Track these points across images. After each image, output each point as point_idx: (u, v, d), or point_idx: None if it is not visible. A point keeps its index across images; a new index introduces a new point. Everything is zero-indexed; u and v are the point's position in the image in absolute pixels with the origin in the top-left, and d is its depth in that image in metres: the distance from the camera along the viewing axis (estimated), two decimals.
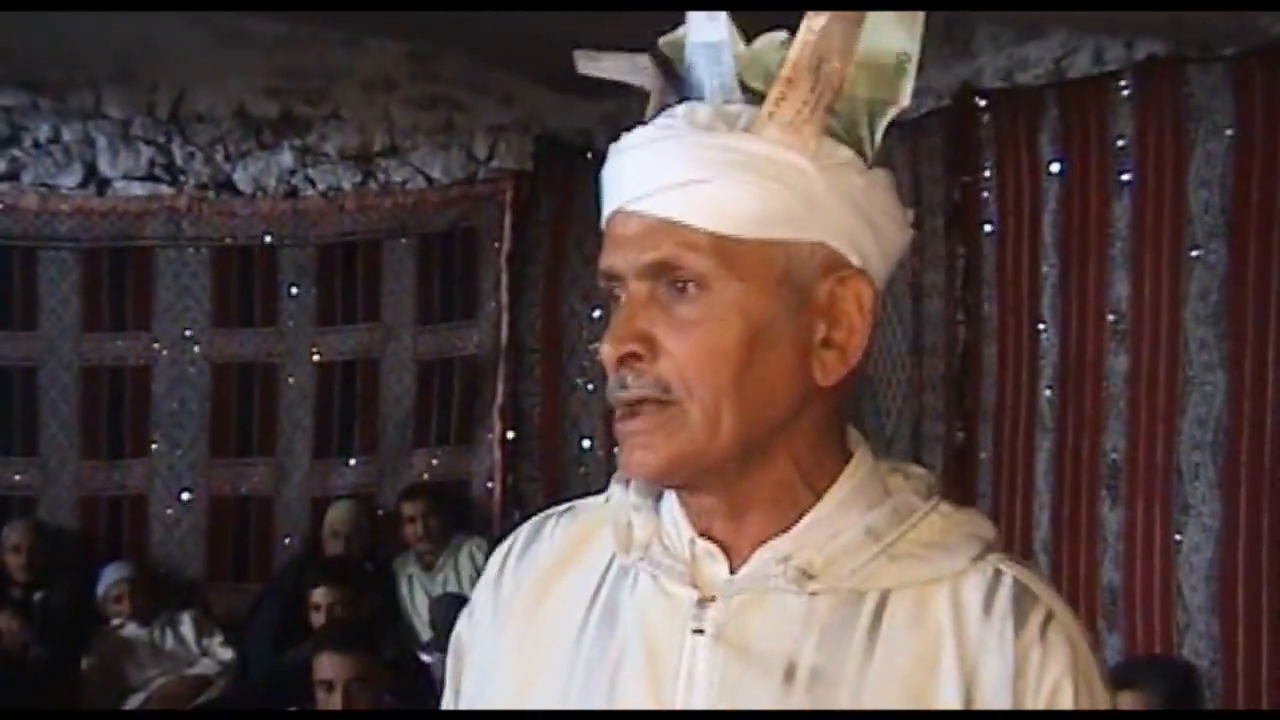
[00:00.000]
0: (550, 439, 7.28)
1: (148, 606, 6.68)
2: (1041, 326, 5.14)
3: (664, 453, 1.33)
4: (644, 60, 1.39)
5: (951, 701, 1.30)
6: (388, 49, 7.35)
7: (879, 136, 1.35)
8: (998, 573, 1.35)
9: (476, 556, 6.99)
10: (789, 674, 1.31)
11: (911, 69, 1.36)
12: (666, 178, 1.32)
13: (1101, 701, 1.35)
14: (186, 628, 6.71)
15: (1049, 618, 1.33)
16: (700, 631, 1.34)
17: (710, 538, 1.38)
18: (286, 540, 7.27)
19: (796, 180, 1.31)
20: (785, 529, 1.36)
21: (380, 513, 7.27)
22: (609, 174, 1.37)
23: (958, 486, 5.48)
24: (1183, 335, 4.61)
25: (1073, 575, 4.99)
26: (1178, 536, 4.63)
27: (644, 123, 1.39)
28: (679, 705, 1.33)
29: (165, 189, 7.29)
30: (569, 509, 1.51)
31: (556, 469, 7.28)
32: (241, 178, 7.38)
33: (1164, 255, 4.67)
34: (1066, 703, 1.31)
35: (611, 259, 1.35)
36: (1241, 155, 4.42)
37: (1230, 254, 4.46)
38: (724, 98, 1.35)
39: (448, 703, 1.52)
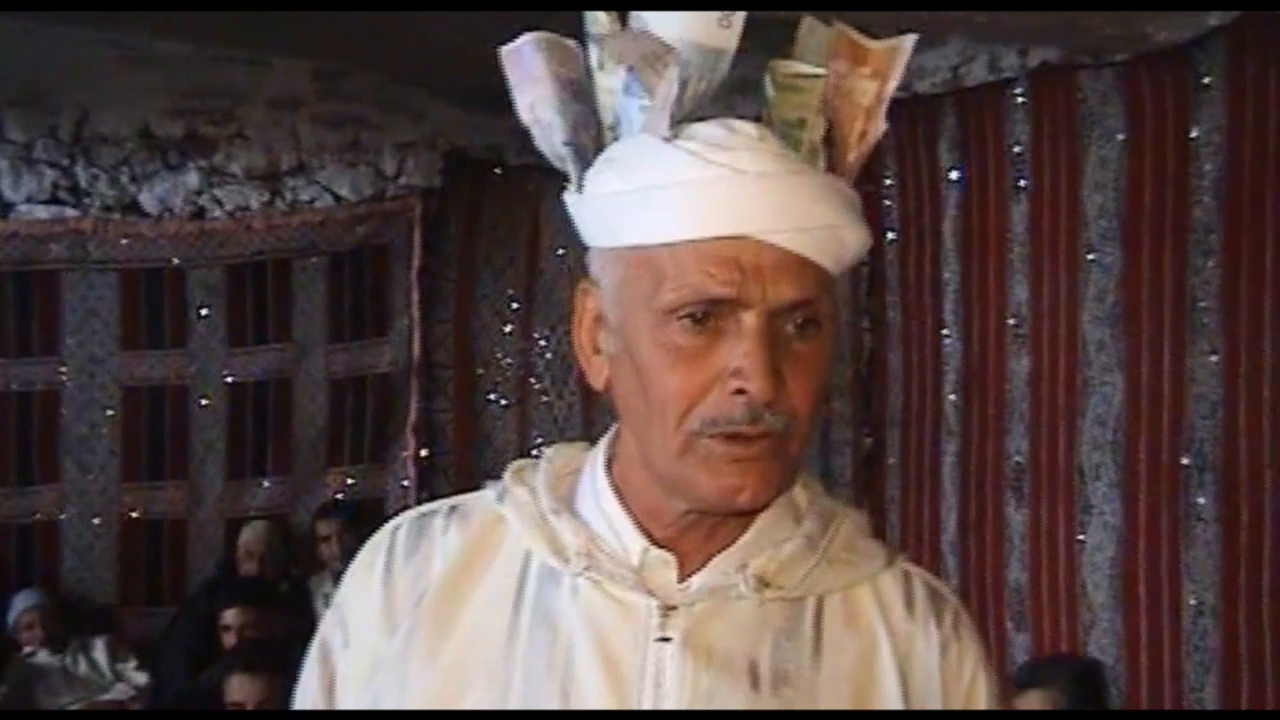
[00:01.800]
0: (464, 455, 7.27)
1: (60, 633, 6.61)
2: (945, 332, 5.21)
3: (775, 486, 1.35)
4: (665, 56, 1.33)
5: (892, 692, 1.39)
6: (294, 67, 7.31)
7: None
8: (907, 575, 1.46)
9: None
10: (754, 678, 1.36)
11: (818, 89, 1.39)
12: (808, 217, 1.32)
13: (1002, 691, 1.48)
14: (100, 653, 6.65)
15: (957, 617, 1.45)
16: (666, 640, 1.36)
17: (664, 546, 1.40)
18: (200, 563, 7.22)
19: (857, 214, 1.38)
20: (736, 538, 1.40)
21: (295, 532, 7.24)
22: (707, 194, 1.32)
23: (867, 491, 5.54)
24: (1081, 337, 4.68)
25: (980, 576, 5.05)
26: (1081, 536, 4.70)
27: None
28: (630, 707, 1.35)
29: (70, 211, 7.23)
30: (454, 507, 1.50)
31: (471, 485, 7.19)
32: (147, 199, 7.33)
33: (1061, 259, 4.74)
34: (982, 689, 1.43)
35: (737, 289, 1.30)
36: (1133, 159, 4.50)
37: (1125, 256, 4.54)
38: (695, 105, 1.35)
39: (312, 703, 1.50)
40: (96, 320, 7.20)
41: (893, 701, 1.39)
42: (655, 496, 1.38)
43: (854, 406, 5.62)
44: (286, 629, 5.92)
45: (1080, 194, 4.67)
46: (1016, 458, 4.92)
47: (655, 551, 1.39)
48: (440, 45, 5.98)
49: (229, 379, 7.30)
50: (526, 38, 1.39)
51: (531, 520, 1.43)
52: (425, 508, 1.52)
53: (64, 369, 7.18)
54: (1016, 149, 4.90)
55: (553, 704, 1.35)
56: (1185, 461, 4.38)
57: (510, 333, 7.06)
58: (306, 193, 7.46)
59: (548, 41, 1.38)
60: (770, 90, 1.38)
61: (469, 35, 5.21)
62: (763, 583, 1.37)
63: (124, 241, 7.21)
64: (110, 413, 7.21)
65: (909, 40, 1.38)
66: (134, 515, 7.22)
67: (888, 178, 5.42)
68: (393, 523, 1.53)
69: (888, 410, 5.47)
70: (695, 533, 1.39)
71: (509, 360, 7.10)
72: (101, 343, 7.20)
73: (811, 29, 1.39)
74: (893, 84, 1.37)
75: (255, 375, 7.32)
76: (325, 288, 7.36)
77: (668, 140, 1.33)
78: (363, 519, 7.10)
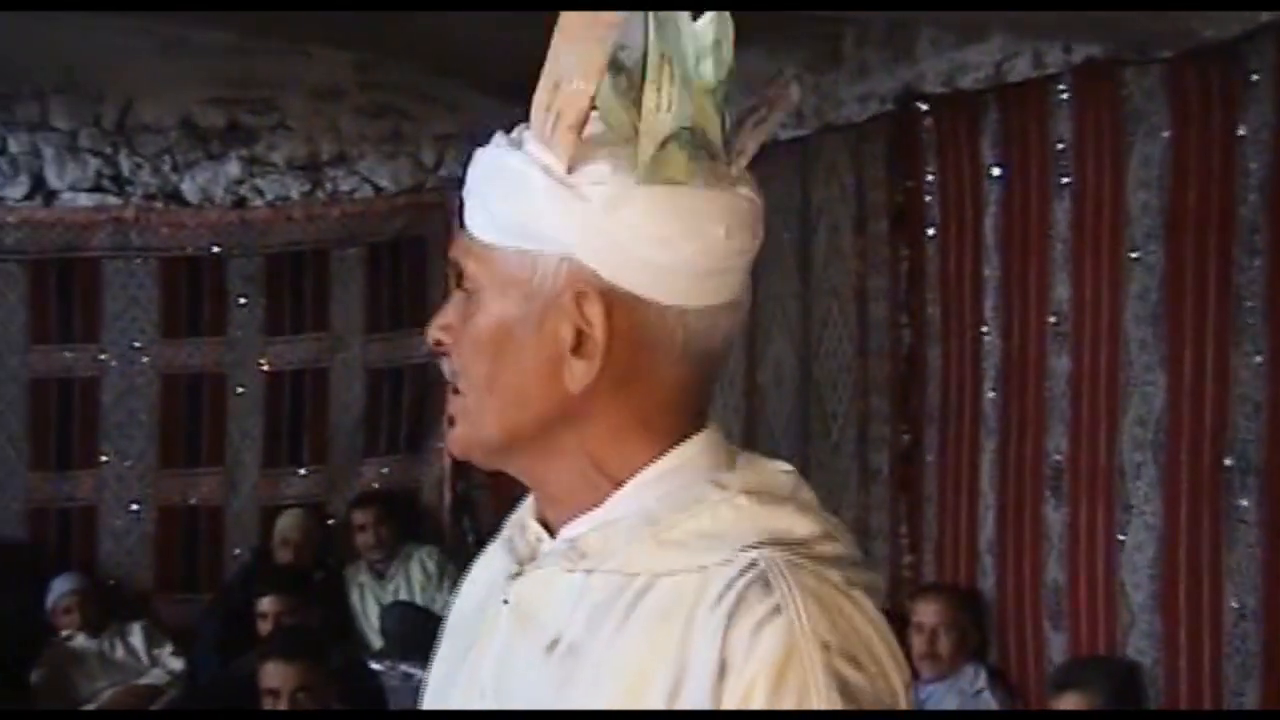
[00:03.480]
0: None
1: (97, 618, 6.66)
2: (984, 329, 5.17)
3: (456, 436, 1.45)
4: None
5: (659, 693, 1.29)
6: (335, 58, 7.34)
7: (647, 155, 1.34)
8: (752, 565, 1.30)
9: (427, 564, 6.99)
10: (551, 646, 1.36)
11: (727, 91, 1.36)
12: (467, 186, 1.43)
13: (811, 704, 1.26)
14: (136, 638, 6.70)
15: (773, 612, 1.27)
16: (506, 602, 1.42)
17: (542, 521, 1.45)
18: (236, 550, 7.25)
19: (536, 195, 1.36)
20: (588, 510, 1.40)
21: (331, 521, 7.27)
22: None
23: (904, 488, 5.52)
24: (1123, 336, 4.64)
25: (1018, 575, 5.02)
26: (1120, 536, 4.66)
27: None
28: (477, 669, 1.43)
29: (112, 200, 7.28)
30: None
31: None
32: (189, 188, 7.37)
33: (1104, 257, 4.70)
34: (758, 701, 1.25)
35: None
36: (1178, 157, 4.46)
37: (1168, 255, 4.50)
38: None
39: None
40: (137, 308, 7.25)
41: (657, 698, 1.29)
42: None
43: (892, 403, 5.59)
44: (321, 617, 5.95)
45: (1124, 191, 4.63)
46: (1056, 456, 4.89)
47: (531, 524, 1.46)
48: (479, 38, 5.98)
49: (266, 367, 7.33)
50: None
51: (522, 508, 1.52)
52: None
53: (104, 355, 7.23)
54: (1060, 145, 4.87)
55: (459, 667, 1.46)
56: (1228, 463, 4.34)
57: None
58: (346, 183, 7.49)
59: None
60: None
61: (508, 28, 5.22)
62: (579, 554, 1.38)
63: (165, 230, 7.26)
64: (149, 400, 7.26)
65: (557, 46, 1.34)
66: (171, 502, 7.26)
67: (929, 174, 5.39)
68: None
69: (926, 407, 5.44)
70: (545, 504, 1.45)
71: None
72: (141, 330, 7.25)
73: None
74: (544, 71, 1.35)
75: (292, 364, 7.36)
76: (363, 278, 7.39)
77: None
78: (398, 509, 7.14)
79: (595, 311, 1.35)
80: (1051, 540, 4.90)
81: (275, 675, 4.50)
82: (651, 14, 1.34)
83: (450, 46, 6.51)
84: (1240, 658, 4.30)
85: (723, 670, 1.26)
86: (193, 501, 7.30)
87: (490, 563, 1.53)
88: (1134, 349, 4.61)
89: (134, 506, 7.24)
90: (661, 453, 1.39)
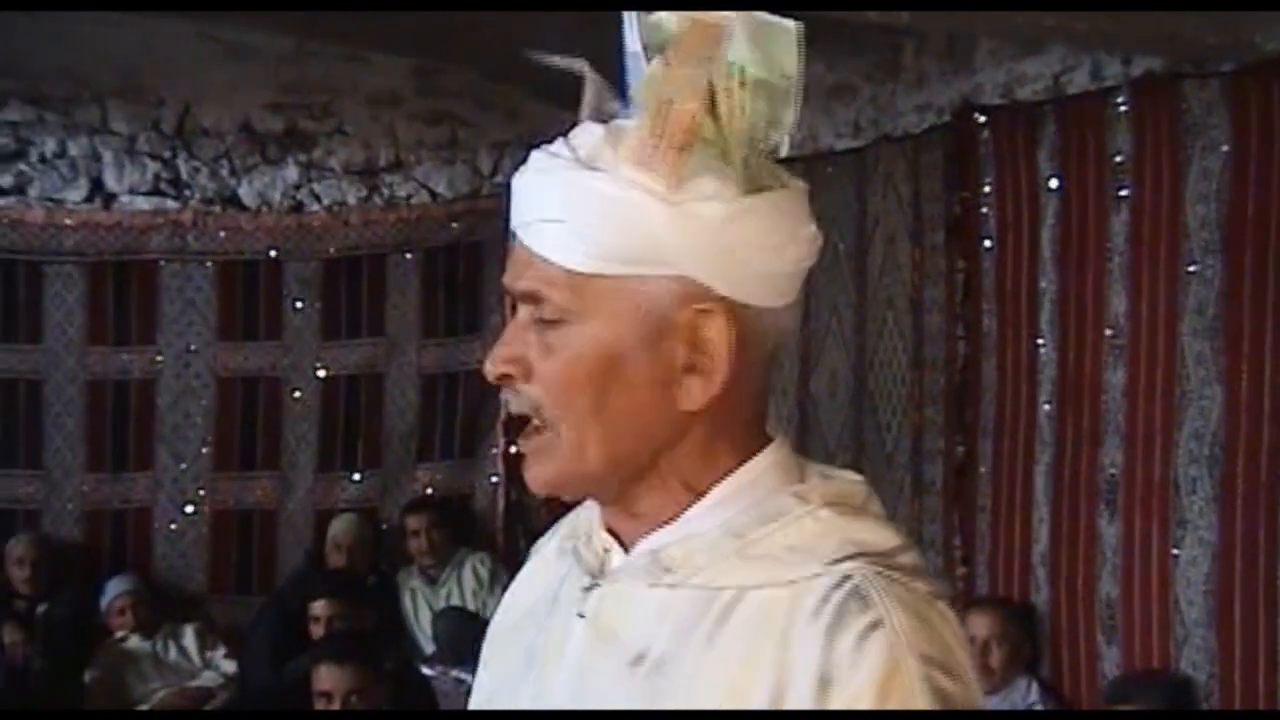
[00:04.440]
0: None
1: (151, 619, 6.70)
2: (1040, 341, 5.15)
3: (546, 473, 1.40)
4: (583, 67, 1.41)
5: (757, 707, 1.30)
6: (393, 64, 7.38)
7: (742, 163, 1.35)
8: (846, 578, 1.31)
9: (479, 570, 7.01)
10: (637, 660, 1.35)
11: (794, 91, 1.35)
12: (535, 212, 1.37)
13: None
14: (189, 640, 6.73)
15: (874, 626, 1.28)
16: (582, 616, 1.41)
17: (613, 533, 1.44)
18: (290, 554, 7.29)
19: (645, 218, 1.33)
20: (664, 524, 1.40)
21: (384, 526, 7.30)
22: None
23: (958, 500, 5.50)
24: (1179, 350, 4.62)
25: (1071, 588, 5.00)
26: (1175, 550, 4.63)
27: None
28: (548, 682, 1.41)
29: (170, 203, 7.33)
30: (568, 518, 1.57)
31: None
32: (246, 192, 7.42)
33: (1161, 270, 4.68)
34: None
35: (504, 277, 1.42)
36: (1237, 171, 4.43)
37: (1226, 269, 4.47)
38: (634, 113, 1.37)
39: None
40: (193, 311, 7.29)
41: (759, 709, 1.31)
42: None
43: (946, 415, 5.57)
44: (374, 622, 5.97)
45: (1182, 205, 4.60)
46: (1111, 470, 4.86)
47: (601, 536, 1.45)
48: (536, 44, 5.99)
49: (322, 372, 7.37)
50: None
51: (581, 513, 1.51)
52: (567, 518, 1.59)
53: (160, 358, 7.27)
54: (1118, 158, 4.84)
55: (526, 678, 1.44)
56: None
57: None
58: (403, 189, 7.52)
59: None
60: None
61: (564, 35, 5.24)
62: (663, 568, 1.37)
63: (222, 234, 7.30)
64: (204, 402, 7.30)
65: (717, 16, 1.34)
66: (226, 505, 7.30)
67: (986, 185, 5.37)
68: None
69: (980, 419, 5.42)
70: (618, 518, 1.43)
71: None
72: (198, 333, 7.29)
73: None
74: (642, 93, 1.34)
75: (348, 369, 7.39)
76: (419, 283, 7.42)
77: None
78: (451, 515, 7.16)
79: (718, 326, 1.36)
80: (1105, 554, 4.88)
81: (328, 678, 4.52)
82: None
83: (508, 53, 6.52)
84: None
85: (825, 683, 1.28)
86: (247, 504, 7.33)
87: (543, 571, 1.53)
88: (1190, 363, 4.59)
89: (188, 509, 7.28)
90: (740, 463, 1.40)
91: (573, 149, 1.37)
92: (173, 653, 6.69)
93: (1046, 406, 5.13)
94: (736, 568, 1.36)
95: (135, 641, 6.64)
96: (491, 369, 1.40)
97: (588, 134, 1.38)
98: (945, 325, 5.56)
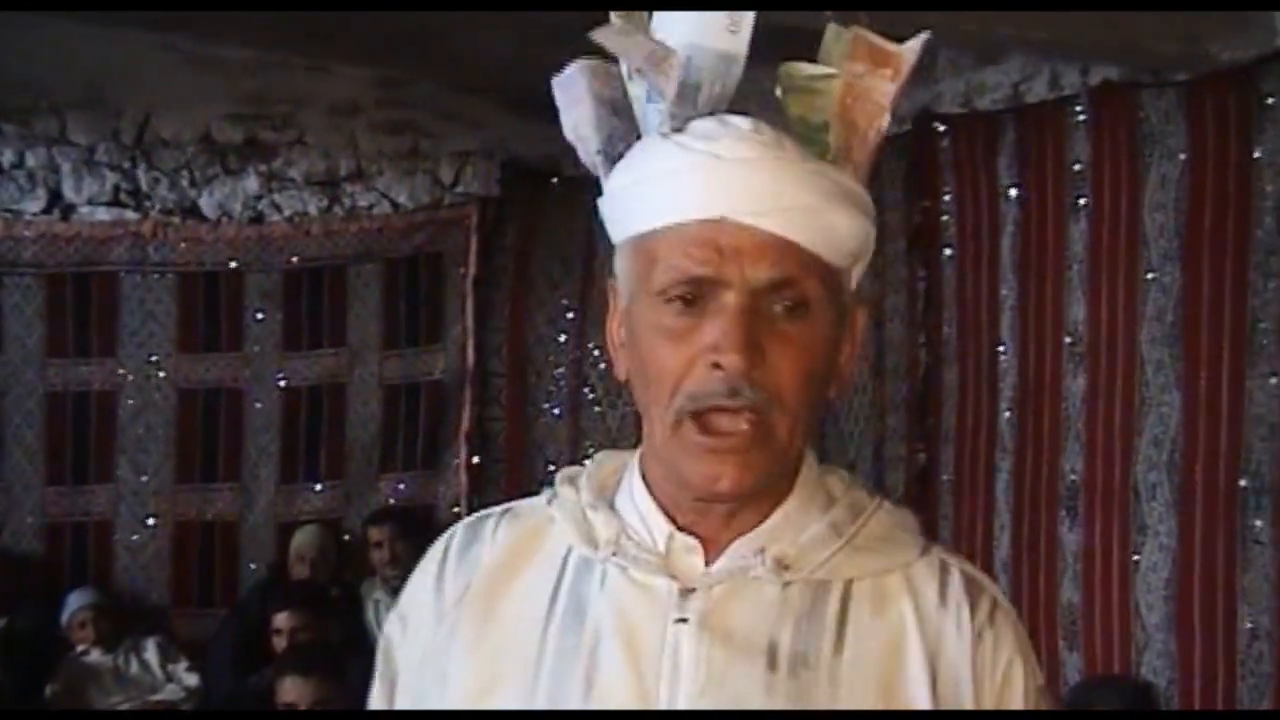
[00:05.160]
0: (516, 463, 7.29)
1: (112, 633, 6.65)
2: (1001, 349, 5.18)
3: (757, 472, 1.39)
4: (669, 57, 1.39)
5: (919, 682, 1.39)
6: (354, 75, 7.35)
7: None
8: (945, 564, 1.46)
9: None
10: (771, 659, 1.38)
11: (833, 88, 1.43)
12: (788, 199, 1.37)
13: (1040, 680, 1.47)
14: (151, 654, 6.69)
15: (995, 605, 1.45)
16: (684, 620, 1.39)
17: (689, 532, 1.43)
18: (252, 566, 7.26)
19: (862, 215, 1.42)
20: (759, 523, 1.43)
21: (346, 537, 7.27)
22: (686, 180, 1.38)
23: (920, 508, 5.52)
24: (1139, 356, 4.66)
25: (1033, 594, 5.02)
26: (1135, 556, 4.67)
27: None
28: (664, 691, 1.38)
29: (130, 214, 7.29)
30: (506, 510, 1.55)
31: (522, 493, 7.20)
32: (207, 203, 7.39)
33: (1120, 278, 4.72)
34: (1018, 679, 1.43)
35: (717, 268, 1.36)
36: (1195, 179, 4.48)
37: (1184, 276, 4.51)
38: (711, 108, 1.40)
39: (376, 703, 1.55)
40: (154, 322, 7.25)
41: (919, 690, 1.39)
42: (670, 483, 1.43)
43: (908, 422, 5.60)
44: (337, 634, 5.95)
45: (1140, 213, 4.64)
46: (1071, 476, 4.90)
47: (680, 537, 1.43)
48: (499, 54, 6.00)
49: (283, 383, 7.34)
50: (573, 65, 1.46)
51: (572, 516, 1.48)
52: (483, 512, 1.57)
53: (121, 370, 7.23)
54: (1076, 167, 4.88)
55: (577, 686, 1.39)
56: (1243, 484, 4.35)
57: (564, 342, 7.08)
58: (364, 199, 7.50)
59: (591, 66, 1.45)
60: (781, 93, 1.43)
61: (527, 44, 5.24)
62: (782, 565, 1.41)
63: (183, 245, 7.27)
64: (165, 414, 7.26)
65: (921, 40, 1.43)
66: (187, 517, 7.27)
67: (946, 194, 5.40)
68: (453, 527, 1.57)
69: (941, 427, 5.45)
70: (713, 517, 1.43)
71: (562, 369, 7.11)
72: (159, 345, 7.26)
73: (837, 35, 1.44)
74: (902, 82, 1.42)
75: (309, 380, 7.36)
76: (380, 294, 7.39)
77: (664, 136, 1.40)
78: (414, 525, 7.13)
79: (863, 316, 1.48)
80: (1066, 560, 4.91)
81: (292, 690, 4.51)
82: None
83: (470, 63, 6.53)
84: (1254, 678, 4.30)
85: (975, 652, 1.42)
86: (208, 516, 7.30)
87: (515, 572, 1.48)
88: (1150, 370, 4.62)
89: (149, 521, 7.24)
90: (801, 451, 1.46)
91: (777, 142, 1.39)
92: (134, 666, 6.65)
93: (1007, 414, 5.16)
94: (847, 561, 1.43)
95: (97, 655, 6.60)
96: (743, 361, 1.35)
97: (762, 129, 1.40)
98: (906, 333, 5.59)
